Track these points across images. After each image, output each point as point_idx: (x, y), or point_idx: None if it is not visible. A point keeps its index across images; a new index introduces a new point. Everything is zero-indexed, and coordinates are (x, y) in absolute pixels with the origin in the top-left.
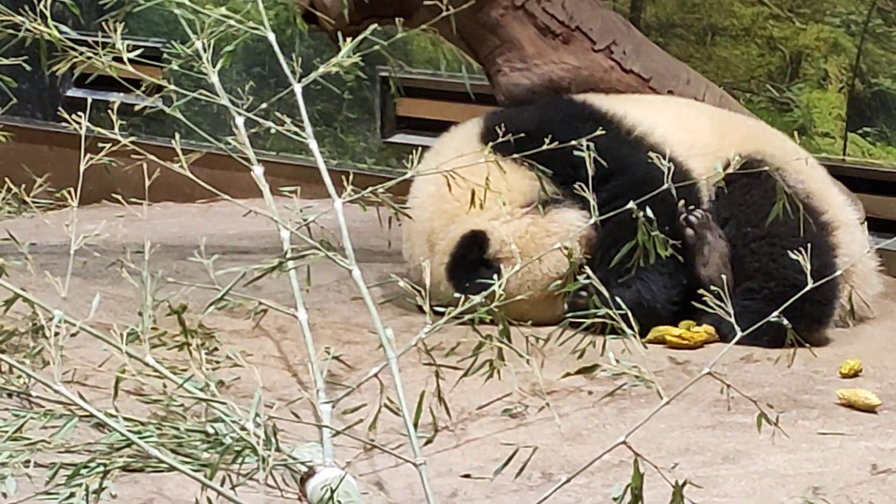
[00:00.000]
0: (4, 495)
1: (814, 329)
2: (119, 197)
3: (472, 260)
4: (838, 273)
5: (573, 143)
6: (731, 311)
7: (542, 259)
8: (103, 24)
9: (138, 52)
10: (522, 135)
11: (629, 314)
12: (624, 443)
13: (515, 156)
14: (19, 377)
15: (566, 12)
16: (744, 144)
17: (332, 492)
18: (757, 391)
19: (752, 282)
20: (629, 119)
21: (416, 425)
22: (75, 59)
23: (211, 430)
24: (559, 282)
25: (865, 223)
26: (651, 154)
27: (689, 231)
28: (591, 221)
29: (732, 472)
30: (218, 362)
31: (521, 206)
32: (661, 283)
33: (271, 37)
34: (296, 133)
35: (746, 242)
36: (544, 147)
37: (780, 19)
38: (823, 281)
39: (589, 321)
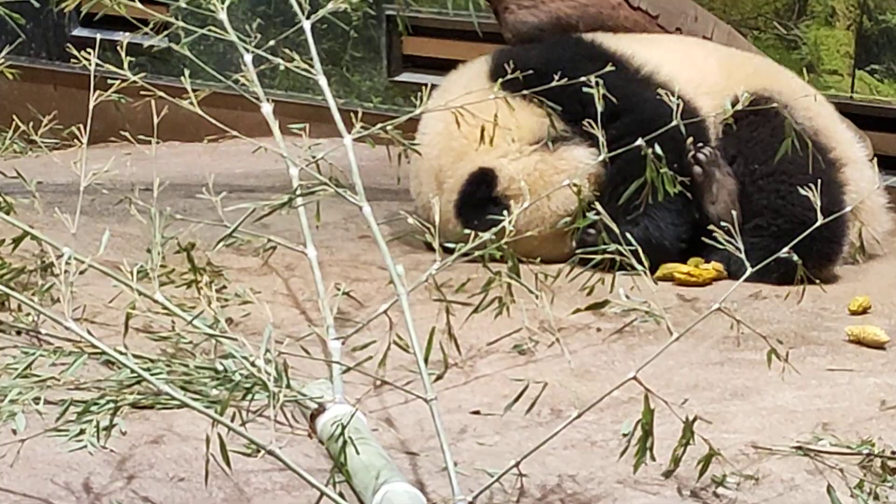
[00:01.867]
0: (14, 432)
1: (823, 266)
2: (127, 135)
3: (481, 197)
4: (847, 210)
5: (582, 79)
6: (740, 248)
7: (551, 196)
8: None
9: None
10: (531, 72)
11: (639, 251)
12: (634, 378)
13: (524, 92)
14: (28, 315)
15: None
16: (751, 82)
17: (343, 428)
18: (766, 328)
19: (760, 219)
20: (637, 58)
21: (426, 362)
22: None
23: (220, 367)
24: (568, 219)
25: (874, 160)
26: (660, 91)
27: (698, 169)
28: (600, 158)
29: (741, 408)
30: (227, 300)
31: (529, 143)
32: (670, 220)
33: None
34: (305, 70)
35: (754, 179)
36: (553, 84)
37: None
38: (832, 217)
39: (598, 258)
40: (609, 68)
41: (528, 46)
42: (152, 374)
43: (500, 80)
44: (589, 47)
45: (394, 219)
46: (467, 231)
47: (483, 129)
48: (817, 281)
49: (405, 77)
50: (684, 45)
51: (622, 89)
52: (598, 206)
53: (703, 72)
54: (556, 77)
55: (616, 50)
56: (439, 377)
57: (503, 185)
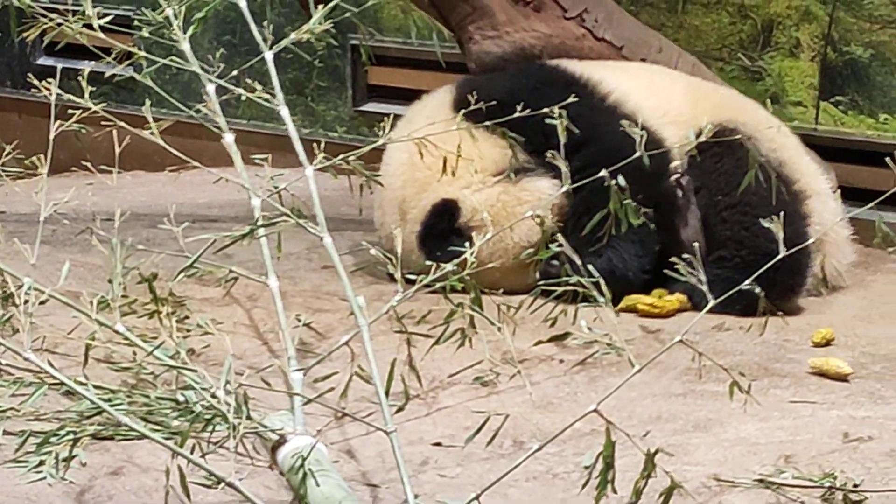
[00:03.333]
0: None
1: (786, 298)
2: (89, 165)
3: (444, 228)
4: (810, 242)
5: (545, 110)
6: (703, 280)
7: (514, 227)
8: None
9: (108, 19)
10: (494, 102)
11: (601, 282)
12: (595, 411)
13: (487, 123)
14: None
15: None
16: (717, 113)
17: (303, 460)
18: (729, 360)
19: (723, 250)
20: (603, 85)
21: (387, 393)
22: (45, 27)
23: (181, 398)
24: (531, 250)
25: (838, 192)
26: (624, 122)
27: (679, 192)
28: (563, 189)
29: (704, 440)
30: (188, 330)
31: (492, 174)
32: (633, 251)
33: (242, 4)
34: (267, 100)
35: (718, 211)
36: (516, 115)
37: None
38: (795, 249)
39: (561, 289)
40: (573, 98)
41: (492, 76)
42: (113, 406)
43: (464, 110)
44: (553, 75)
45: (357, 249)
46: (430, 262)
47: (446, 161)
48: (780, 313)
49: (370, 107)
50: (651, 73)
51: (586, 118)
52: (561, 238)
53: (670, 101)
54: (520, 107)
55: (582, 76)
56: (401, 409)
57: (466, 217)
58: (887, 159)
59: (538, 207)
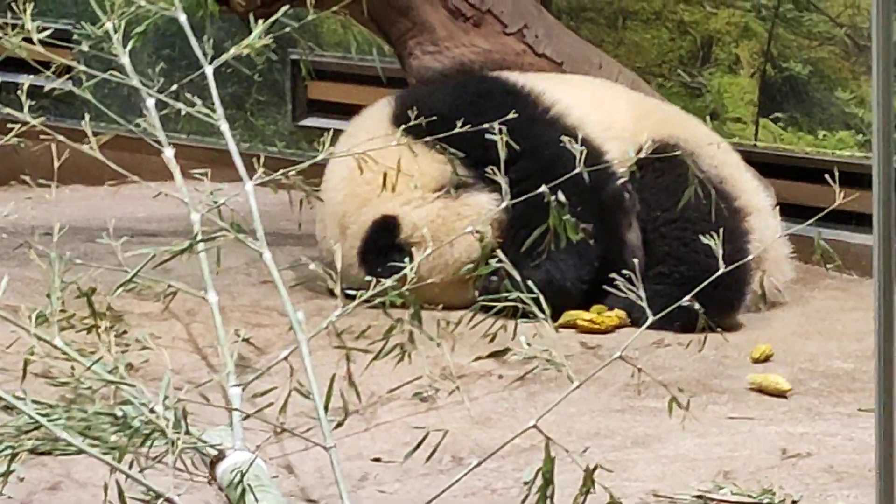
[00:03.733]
0: None
1: (725, 314)
2: (28, 179)
3: (384, 245)
4: (750, 258)
5: (485, 126)
6: (643, 296)
7: (454, 243)
8: (12, 4)
9: (48, 33)
10: (434, 117)
11: (541, 298)
12: (535, 426)
13: (427, 139)
14: None
15: None
16: (659, 129)
17: (242, 475)
18: (668, 375)
19: (663, 266)
20: (546, 97)
21: (326, 409)
22: None
23: (120, 413)
24: (471, 265)
25: (777, 208)
26: (564, 138)
27: (627, 194)
28: (503, 205)
29: (643, 456)
30: (127, 345)
31: (432, 189)
32: (571, 262)
33: (182, 18)
34: (207, 115)
35: (657, 226)
36: (456, 130)
37: (690, 3)
38: (734, 266)
39: (500, 305)
40: (515, 108)
41: (432, 88)
42: (51, 420)
43: (404, 125)
44: (494, 87)
45: (296, 264)
46: (370, 278)
47: (386, 176)
48: (719, 329)
49: (310, 121)
50: (594, 86)
51: (527, 131)
52: (500, 254)
53: (613, 115)
54: (460, 121)
55: (523, 88)
56: (340, 424)
57: (406, 233)
58: (826, 176)
59: (478, 222)
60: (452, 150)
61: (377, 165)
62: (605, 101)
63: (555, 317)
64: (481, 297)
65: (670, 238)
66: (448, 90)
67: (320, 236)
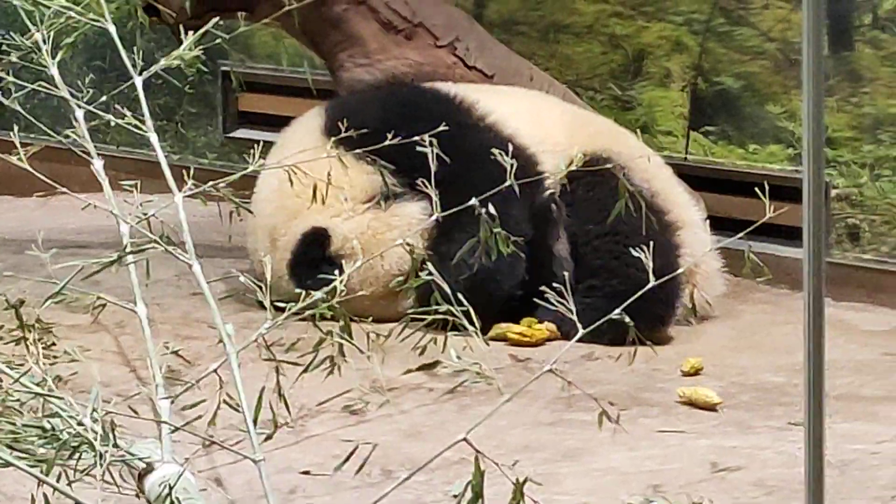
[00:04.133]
0: None
1: (656, 327)
2: None
3: (314, 257)
4: (680, 272)
5: (416, 138)
6: (573, 309)
7: (384, 255)
8: None
9: None
10: (365, 129)
11: (471, 311)
12: (465, 440)
13: (357, 151)
14: None
15: (409, 8)
16: (592, 142)
17: (171, 488)
18: (598, 389)
19: (594, 279)
20: (479, 107)
21: (255, 422)
22: None
23: (48, 426)
24: (401, 278)
25: (708, 222)
26: (495, 150)
27: (554, 206)
28: (434, 217)
29: (573, 469)
30: (55, 357)
31: (362, 201)
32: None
33: (112, 29)
34: (136, 126)
35: (589, 240)
36: (387, 143)
37: (622, 17)
38: (665, 279)
39: (430, 318)
40: (444, 123)
41: (363, 98)
42: None
43: (334, 137)
44: (426, 96)
45: (226, 276)
46: (300, 290)
47: (316, 188)
48: (649, 342)
49: (241, 133)
50: (529, 98)
51: (458, 142)
52: (431, 267)
53: (547, 129)
54: (391, 132)
55: (456, 97)
56: (269, 437)
57: (336, 245)
58: (757, 189)
59: (408, 234)
60: (382, 162)
61: (307, 178)
62: (538, 113)
63: (485, 329)
64: (411, 310)
65: (602, 251)
66: (379, 100)
67: (251, 248)
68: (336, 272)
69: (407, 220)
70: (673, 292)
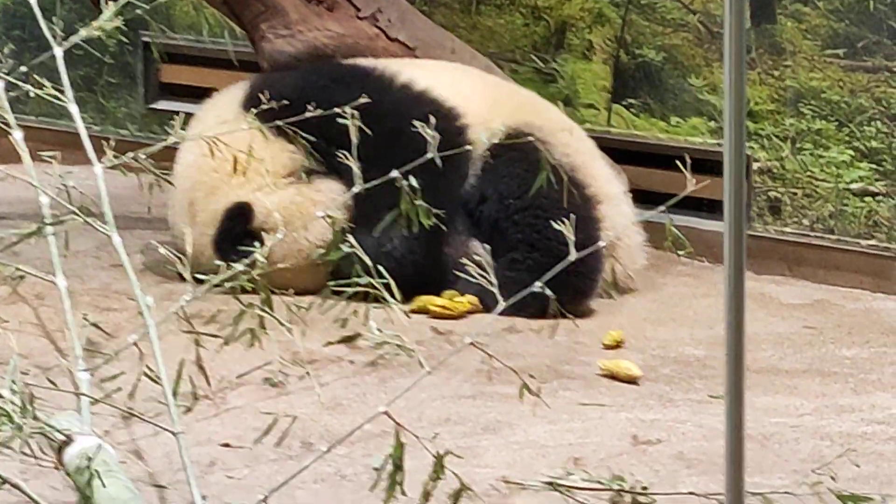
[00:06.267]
0: None
1: (577, 300)
2: None
3: (238, 232)
4: (601, 245)
5: (336, 110)
6: (495, 282)
7: (308, 228)
8: None
9: None
10: (285, 102)
11: (392, 284)
12: (385, 413)
13: (278, 123)
14: None
15: None
16: (514, 115)
17: (90, 460)
18: (519, 361)
19: (515, 253)
20: (400, 81)
21: (175, 394)
22: None
23: None
24: (322, 251)
25: (630, 195)
26: (417, 123)
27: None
28: (355, 190)
29: (493, 442)
30: None
31: (284, 175)
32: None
33: None
34: (56, 97)
35: (510, 214)
36: (307, 115)
37: None
38: (586, 252)
39: (352, 290)
40: (365, 98)
41: (285, 74)
42: None
43: (255, 109)
44: (347, 72)
45: (146, 248)
46: (221, 263)
47: (236, 161)
48: (570, 315)
49: (162, 104)
50: (450, 71)
51: (380, 116)
52: (352, 239)
53: (469, 101)
54: (312, 105)
55: (377, 71)
56: (189, 409)
57: (260, 219)
58: (678, 162)
59: (331, 207)
60: (304, 135)
61: (226, 151)
62: (462, 87)
63: (406, 301)
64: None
65: (523, 225)
66: (301, 75)
67: (171, 221)
68: (258, 246)
69: (329, 194)
70: (594, 265)
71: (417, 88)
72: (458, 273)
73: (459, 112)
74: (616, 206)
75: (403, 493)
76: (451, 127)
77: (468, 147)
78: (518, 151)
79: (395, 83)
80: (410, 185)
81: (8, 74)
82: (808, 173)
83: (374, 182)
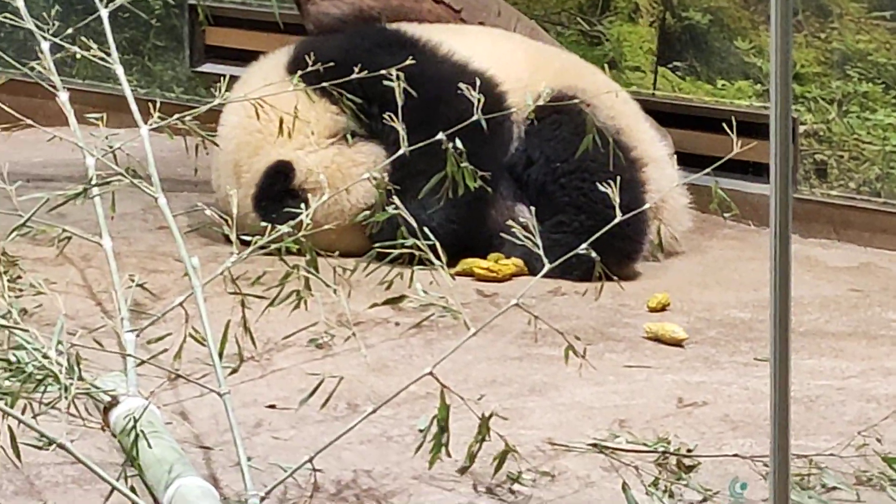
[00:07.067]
0: None
1: (623, 263)
2: None
3: (279, 190)
4: (647, 207)
5: (382, 72)
6: (540, 244)
7: (350, 189)
8: None
9: None
10: (330, 64)
11: (437, 246)
12: (430, 374)
13: (323, 85)
14: None
15: None
16: (557, 79)
17: (136, 421)
18: (564, 324)
19: (562, 215)
20: (444, 47)
21: (221, 355)
22: None
23: (13, 359)
24: (366, 212)
25: (675, 158)
26: (462, 86)
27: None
28: (400, 152)
29: (539, 404)
30: (21, 290)
31: (327, 136)
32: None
33: None
34: (102, 59)
35: (556, 177)
36: (352, 76)
37: None
38: (632, 214)
39: (397, 252)
40: (409, 60)
41: (329, 37)
42: None
43: (299, 72)
44: (391, 37)
45: (192, 210)
46: (265, 224)
47: (282, 121)
48: (616, 278)
49: (208, 67)
50: (492, 37)
51: (423, 80)
52: (397, 200)
53: (510, 66)
54: (356, 69)
55: (421, 38)
56: (234, 371)
57: (301, 178)
58: (724, 125)
59: (373, 169)
60: (349, 97)
61: (271, 112)
62: (503, 52)
63: (451, 264)
64: (377, 244)
65: (569, 188)
66: (345, 39)
67: (215, 184)
68: (301, 205)
69: (372, 156)
70: (640, 228)
71: (459, 56)
72: (503, 236)
73: (499, 79)
74: (661, 168)
75: (448, 455)
76: (491, 94)
77: (511, 110)
78: (563, 114)
79: (438, 50)
80: (456, 148)
81: (54, 36)
82: (855, 136)
83: (419, 144)
